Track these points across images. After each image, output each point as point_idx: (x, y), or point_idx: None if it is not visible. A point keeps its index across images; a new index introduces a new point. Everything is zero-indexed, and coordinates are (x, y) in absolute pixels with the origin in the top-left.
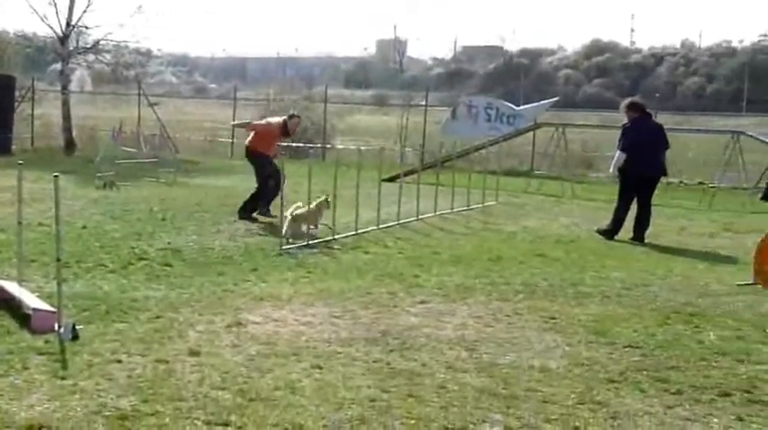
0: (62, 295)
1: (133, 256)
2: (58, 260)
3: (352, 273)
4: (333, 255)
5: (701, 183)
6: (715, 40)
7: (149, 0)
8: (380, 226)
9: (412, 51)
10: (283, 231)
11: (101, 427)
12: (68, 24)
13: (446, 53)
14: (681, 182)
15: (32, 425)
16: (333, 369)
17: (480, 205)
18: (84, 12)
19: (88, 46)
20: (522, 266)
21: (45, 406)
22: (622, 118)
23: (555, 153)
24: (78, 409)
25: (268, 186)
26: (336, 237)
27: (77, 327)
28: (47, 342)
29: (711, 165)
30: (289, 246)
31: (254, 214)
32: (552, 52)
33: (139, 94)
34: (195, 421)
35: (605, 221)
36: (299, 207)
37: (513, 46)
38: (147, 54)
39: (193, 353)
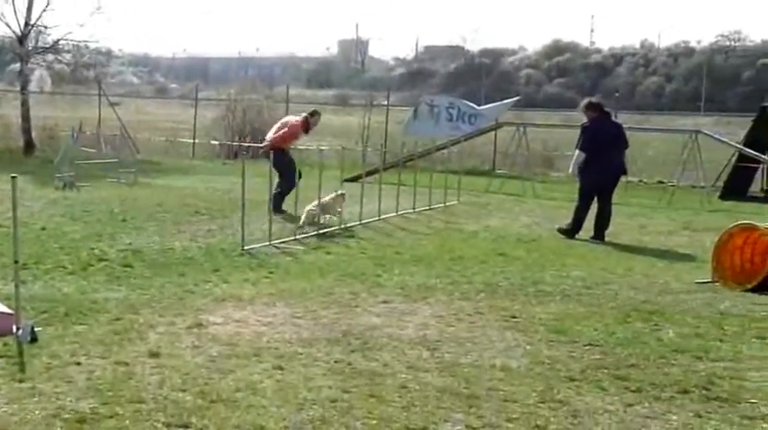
0: (20, 297)
1: (93, 258)
2: (16, 262)
3: (314, 273)
4: (295, 256)
5: (660, 181)
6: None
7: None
8: (342, 226)
9: (374, 51)
10: (301, 221)
11: None
12: (27, 24)
13: (408, 53)
14: (640, 180)
15: None
16: (294, 369)
17: (442, 205)
18: (44, 11)
19: (47, 46)
20: (483, 266)
21: (3, 409)
22: (581, 118)
23: (516, 152)
24: (37, 412)
25: (287, 180)
26: (298, 236)
27: (36, 330)
28: (5, 344)
29: (670, 164)
30: (250, 247)
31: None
32: (513, 52)
33: (100, 95)
34: (155, 423)
35: (566, 220)
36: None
37: (474, 46)
38: (108, 54)
39: (154, 355)
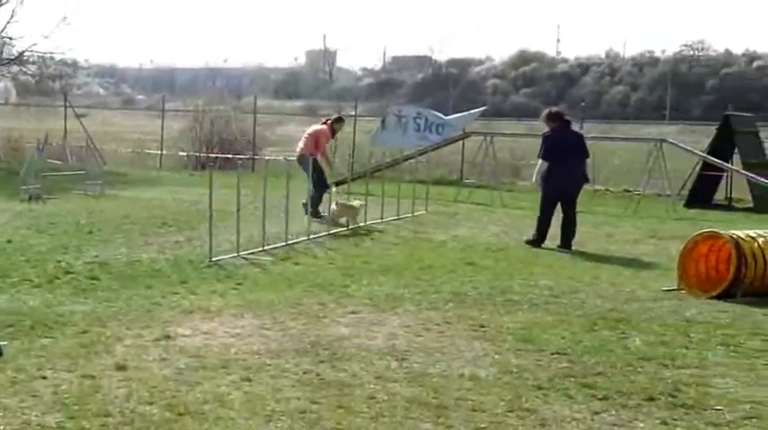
0: None
1: (59, 270)
2: None
3: (283, 284)
4: (263, 267)
5: (626, 190)
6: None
7: (75, 11)
8: (311, 236)
9: (342, 62)
10: (329, 211)
11: None
12: None
13: (376, 63)
14: (607, 189)
15: None
16: (262, 381)
17: (410, 215)
18: (8, 23)
19: (12, 57)
20: (451, 275)
21: None
22: (543, 127)
23: (484, 162)
24: (2, 427)
25: (321, 185)
26: (266, 247)
27: (1, 343)
28: None
29: (636, 173)
30: (218, 258)
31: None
32: (480, 62)
33: (66, 106)
34: None
35: (532, 230)
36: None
37: (441, 56)
38: (74, 65)
39: (120, 368)
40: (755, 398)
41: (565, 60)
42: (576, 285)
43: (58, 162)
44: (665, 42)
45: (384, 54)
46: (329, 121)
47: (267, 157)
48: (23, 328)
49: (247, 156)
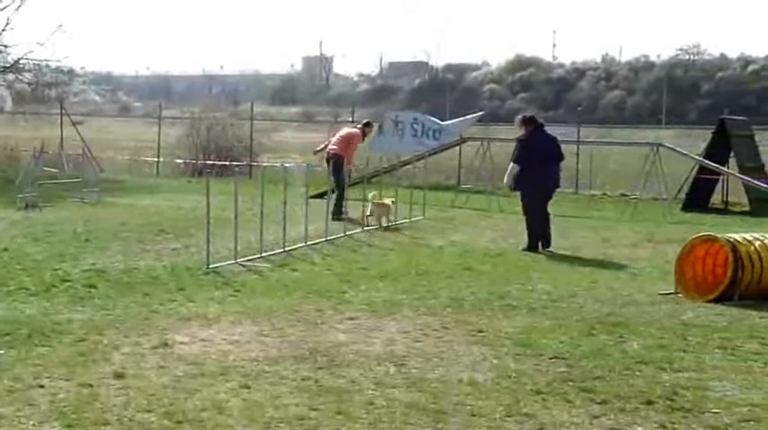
0: None
1: (56, 279)
2: None
3: (280, 290)
4: (260, 273)
5: (623, 194)
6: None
7: (71, 18)
8: (308, 243)
9: (338, 68)
10: (368, 211)
11: None
12: None
13: (372, 69)
14: (604, 193)
15: None
16: (261, 388)
17: (407, 220)
18: (3, 30)
19: (8, 65)
20: (449, 281)
21: None
22: (518, 132)
23: (481, 167)
24: None
25: (343, 186)
26: (264, 254)
27: None
28: None
29: (633, 177)
30: (216, 265)
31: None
32: (477, 67)
33: (62, 114)
34: None
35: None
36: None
37: (438, 61)
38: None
39: (118, 376)
40: (753, 401)
41: (561, 65)
42: (574, 289)
43: (55, 170)
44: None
45: (381, 60)
46: (360, 126)
47: (264, 164)
48: (20, 337)
49: (244, 163)
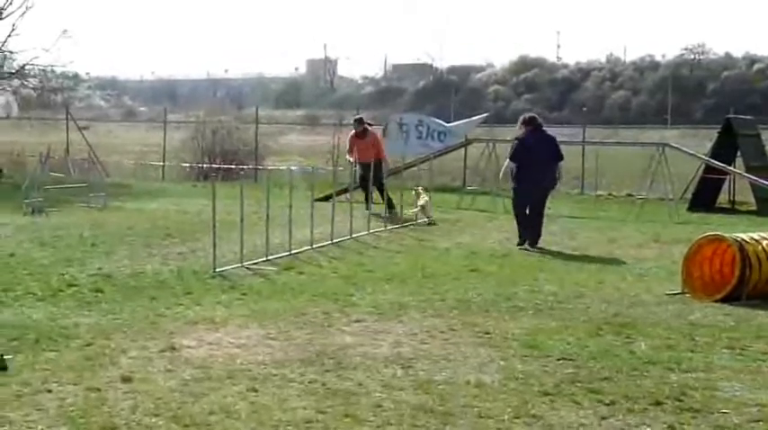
0: None
1: (63, 283)
2: None
3: (287, 293)
4: (267, 277)
5: (629, 194)
6: (639, 54)
7: (75, 23)
8: (314, 245)
9: (342, 70)
10: (421, 201)
11: None
12: None
13: (377, 71)
14: (609, 194)
15: None
16: (268, 391)
17: (413, 222)
18: (9, 36)
19: (13, 71)
20: (456, 282)
21: None
22: (518, 132)
23: (486, 168)
24: None
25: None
26: (270, 257)
27: (6, 358)
28: None
29: (639, 177)
30: (222, 269)
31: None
32: (481, 69)
33: (67, 119)
34: None
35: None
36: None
37: (442, 63)
38: (75, 77)
39: (126, 380)
40: (762, 401)
41: (565, 66)
42: (581, 290)
43: (61, 175)
44: (666, 46)
45: (385, 62)
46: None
47: (270, 167)
48: (28, 342)
49: (250, 167)
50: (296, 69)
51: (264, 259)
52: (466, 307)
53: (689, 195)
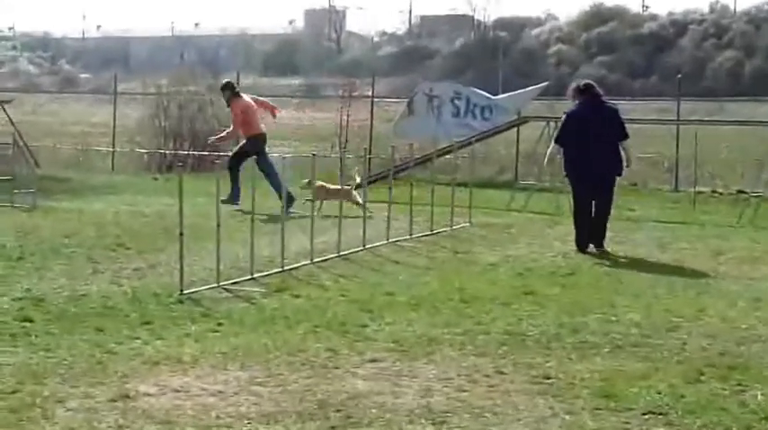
0: None
1: None
2: None
3: (278, 323)
4: (251, 301)
5: (739, 191)
6: (754, 1)
7: None
8: (315, 259)
9: (353, 25)
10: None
11: None
12: None
13: (399, 26)
14: (713, 191)
15: None
16: None
17: (448, 228)
18: None
19: None
20: (505, 309)
21: None
22: (572, 102)
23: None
24: None
25: None
26: (256, 275)
27: None
28: None
29: (752, 168)
30: (192, 290)
31: None
32: (540, 22)
33: None
34: None
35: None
36: None
37: (487, 15)
38: None
39: None
40: None
41: (654, 17)
42: (674, 321)
43: None
44: None
45: (410, 13)
46: None
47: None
48: None
49: (228, 153)
50: (291, 24)
51: (249, 277)
52: (518, 342)
53: None
